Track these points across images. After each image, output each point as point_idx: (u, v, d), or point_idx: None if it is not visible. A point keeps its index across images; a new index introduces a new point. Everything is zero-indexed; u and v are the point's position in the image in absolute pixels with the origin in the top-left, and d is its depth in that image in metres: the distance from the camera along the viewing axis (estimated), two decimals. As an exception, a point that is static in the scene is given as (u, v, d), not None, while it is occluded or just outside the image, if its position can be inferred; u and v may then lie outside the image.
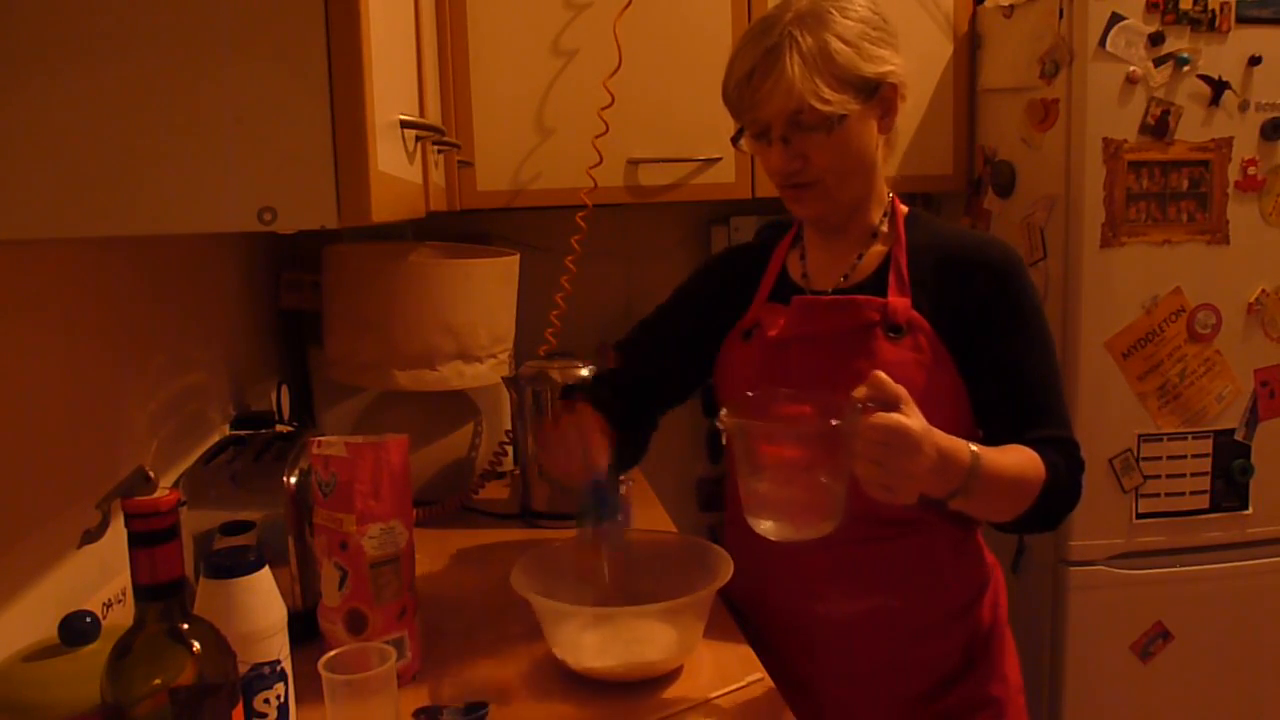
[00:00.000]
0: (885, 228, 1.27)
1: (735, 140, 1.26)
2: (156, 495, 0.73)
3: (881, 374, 0.99)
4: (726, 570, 1.16)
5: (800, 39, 1.13)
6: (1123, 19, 1.79)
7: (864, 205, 1.26)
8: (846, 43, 1.14)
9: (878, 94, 1.18)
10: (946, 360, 1.19)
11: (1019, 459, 1.13)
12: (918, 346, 1.19)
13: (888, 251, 1.26)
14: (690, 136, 1.98)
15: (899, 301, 1.21)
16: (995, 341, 1.19)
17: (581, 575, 1.21)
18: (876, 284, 1.24)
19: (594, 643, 1.17)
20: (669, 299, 1.47)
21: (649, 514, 1.72)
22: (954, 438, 1.04)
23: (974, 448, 1.05)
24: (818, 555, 1.17)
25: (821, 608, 1.25)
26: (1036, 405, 1.19)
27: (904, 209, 1.29)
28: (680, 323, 1.43)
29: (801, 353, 1.24)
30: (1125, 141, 1.82)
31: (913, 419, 0.97)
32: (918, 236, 1.25)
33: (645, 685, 1.12)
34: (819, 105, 1.13)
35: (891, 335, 1.20)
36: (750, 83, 1.16)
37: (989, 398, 1.20)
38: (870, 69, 1.16)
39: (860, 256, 1.27)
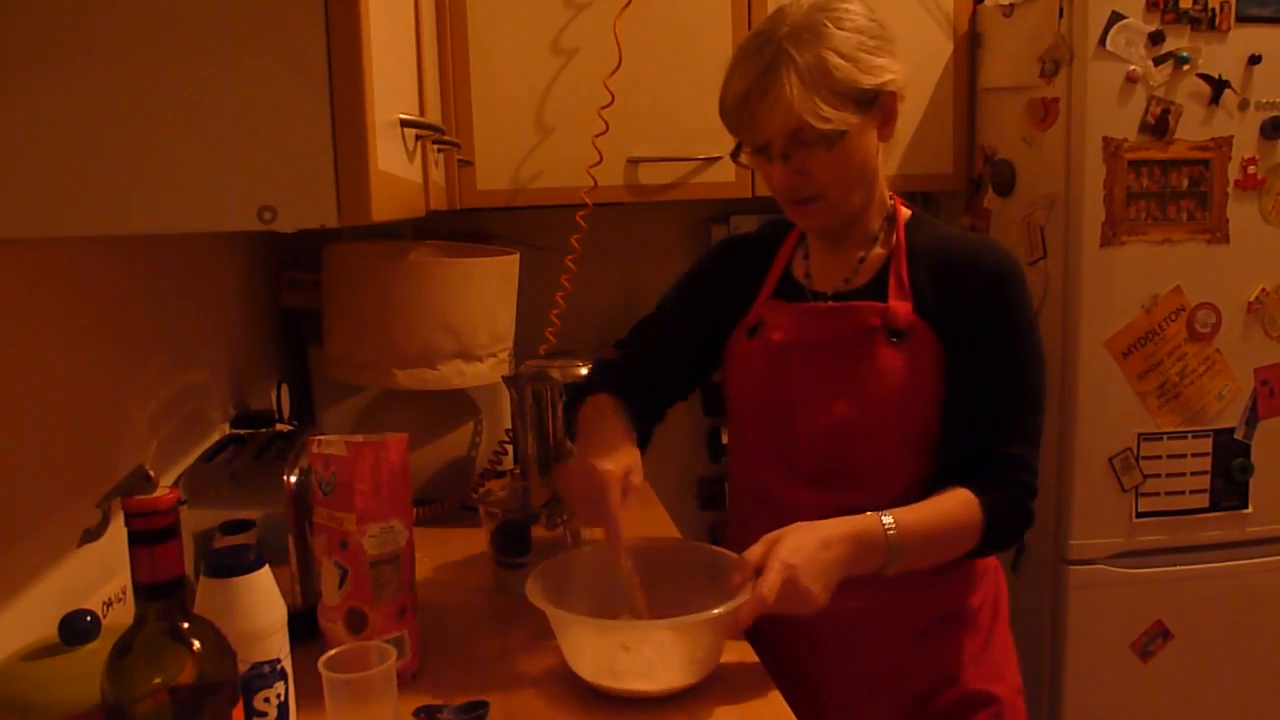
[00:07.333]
0: (884, 232, 1.27)
1: (735, 155, 1.25)
2: (156, 494, 0.73)
3: (749, 557, 1.07)
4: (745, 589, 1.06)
5: (796, 56, 1.11)
6: (1123, 18, 1.79)
7: (865, 211, 1.26)
8: (844, 57, 1.12)
9: (877, 104, 1.16)
10: (945, 365, 1.20)
11: (946, 509, 1.15)
12: (920, 351, 1.19)
13: (887, 255, 1.25)
14: (690, 135, 1.98)
15: (900, 306, 1.21)
16: (978, 346, 1.19)
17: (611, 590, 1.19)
18: (877, 288, 1.24)
19: (599, 655, 1.10)
20: (673, 291, 1.42)
21: (649, 514, 1.72)
22: (862, 518, 1.11)
23: (886, 520, 1.10)
24: None
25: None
26: (1001, 421, 1.19)
27: (906, 212, 1.29)
28: (687, 313, 1.39)
29: (804, 358, 1.25)
30: (1125, 140, 1.82)
31: (788, 544, 1.06)
32: (918, 240, 1.25)
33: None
34: (818, 124, 1.12)
35: (893, 340, 1.20)
36: (748, 104, 1.15)
37: (959, 403, 1.20)
38: (869, 81, 1.14)
39: (862, 260, 1.27)
